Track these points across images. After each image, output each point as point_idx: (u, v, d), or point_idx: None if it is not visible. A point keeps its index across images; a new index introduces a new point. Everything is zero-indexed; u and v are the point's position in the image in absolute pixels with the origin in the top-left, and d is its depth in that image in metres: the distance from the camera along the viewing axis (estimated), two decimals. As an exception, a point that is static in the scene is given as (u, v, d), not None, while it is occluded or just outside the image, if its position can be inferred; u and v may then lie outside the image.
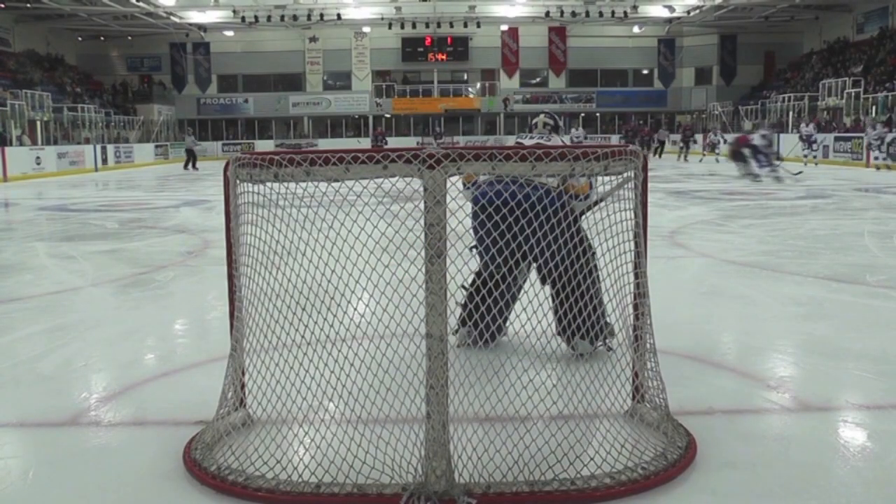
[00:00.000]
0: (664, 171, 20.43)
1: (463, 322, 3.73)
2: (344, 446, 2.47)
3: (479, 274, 3.62)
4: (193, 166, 26.31)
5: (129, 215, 11.35)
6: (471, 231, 3.56)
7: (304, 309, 2.58)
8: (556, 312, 3.25)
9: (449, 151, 2.26)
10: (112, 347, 4.16)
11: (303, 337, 2.58)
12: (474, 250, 3.54)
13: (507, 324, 3.67)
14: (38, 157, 22.48)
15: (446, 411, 2.27)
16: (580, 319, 3.06)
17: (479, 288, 3.38)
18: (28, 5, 29.00)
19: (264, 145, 36.32)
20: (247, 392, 2.84)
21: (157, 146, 33.25)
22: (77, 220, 11.06)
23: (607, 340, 3.59)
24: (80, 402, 3.25)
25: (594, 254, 3.03)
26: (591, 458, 2.43)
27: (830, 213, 10.23)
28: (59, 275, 6.47)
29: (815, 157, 22.94)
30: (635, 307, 2.76)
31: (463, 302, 3.62)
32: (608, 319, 3.44)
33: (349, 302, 2.94)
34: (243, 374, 2.82)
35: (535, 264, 3.43)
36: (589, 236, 3.21)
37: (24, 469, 2.62)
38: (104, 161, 26.85)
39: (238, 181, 2.64)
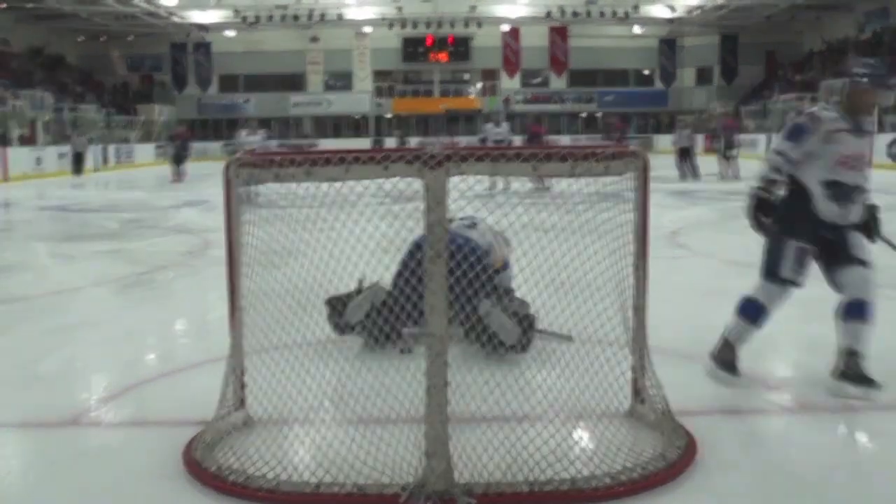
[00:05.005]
0: (664, 170, 20.39)
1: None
2: (344, 446, 2.47)
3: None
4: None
5: (130, 215, 11.35)
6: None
7: (304, 309, 2.59)
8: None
9: (449, 152, 2.26)
10: (112, 347, 4.16)
11: (304, 337, 2.58)
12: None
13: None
14: (38, 158, 22.46)
15: (446, 411, 2.27)
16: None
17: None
18: (28, 5, 28.99)
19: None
20: (247, 392, 2.84)
21: (157, 146, 33.23)
22: (77, 220, 11.06)
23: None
24: (80, 402, 3.25)
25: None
26: (591, 458, 2.43)
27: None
28: (59, 275, 6.47)
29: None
30: (635, 307, 2.76)
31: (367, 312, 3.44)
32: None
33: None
34: (243, 374, 2.82)
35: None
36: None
37: (24, 469, 2.62)
38: (104, 161, 26.83)
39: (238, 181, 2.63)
